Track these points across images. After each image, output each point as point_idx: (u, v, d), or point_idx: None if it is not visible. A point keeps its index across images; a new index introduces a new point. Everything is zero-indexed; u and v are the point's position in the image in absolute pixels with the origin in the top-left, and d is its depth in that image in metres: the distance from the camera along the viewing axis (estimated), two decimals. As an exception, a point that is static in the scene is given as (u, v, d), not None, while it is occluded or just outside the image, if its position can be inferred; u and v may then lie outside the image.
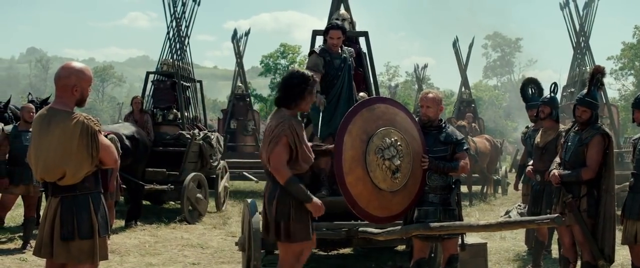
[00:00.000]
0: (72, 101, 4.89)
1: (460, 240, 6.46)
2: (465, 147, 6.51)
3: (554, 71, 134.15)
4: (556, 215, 4.57)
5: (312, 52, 8.46)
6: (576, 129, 6.89)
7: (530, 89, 9.16)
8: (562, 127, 8.14)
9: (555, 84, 8.55)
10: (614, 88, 45.92)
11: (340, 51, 8.27)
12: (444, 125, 6.56)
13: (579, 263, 7.13)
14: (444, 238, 6.36)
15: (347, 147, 5.61)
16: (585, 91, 6.93)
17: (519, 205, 13.27)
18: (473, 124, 23.07)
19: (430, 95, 6.52)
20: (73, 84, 4.85)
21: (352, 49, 8.71)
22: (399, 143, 5.87)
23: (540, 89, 9.14)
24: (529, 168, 8.12)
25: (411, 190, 6.07)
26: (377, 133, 5.77)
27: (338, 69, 8.19)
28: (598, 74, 6.94)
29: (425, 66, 33.79)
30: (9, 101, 11.02)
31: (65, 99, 4.86)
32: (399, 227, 6.15)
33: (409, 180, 6.00)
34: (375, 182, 5.75)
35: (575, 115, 6.89)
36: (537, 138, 8.28)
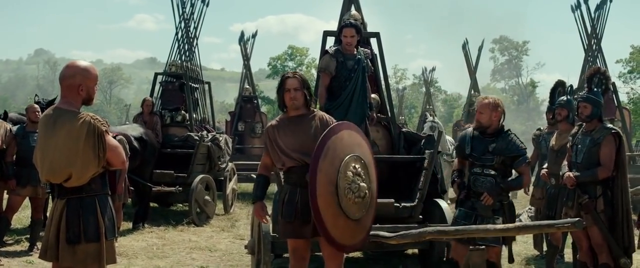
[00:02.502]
0: (78, 101, 4.79)
1: (506, 250, 6.74)
2: (526, 161, 6.64)
3: (561, 74, 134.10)
4: (576, 219, 4.46)
5: (325, 52, 8.37)
6: (584, 130, 6.88)
7: (558, 92, 9.01)
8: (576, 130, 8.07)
9: (571, 86, 8.49)
10: (623, 91, 45.86)
11: (355, 52, 8.15)
12: (503, 133, 6.62)
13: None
14: (477, 244, 6.63)
15: (324, 210, 5.27)
16: (586, 90, 7.11)
17: (529, 209, 13.15)
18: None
19: (485, 100, 6.65)
20: (78, 84, 4.75)
21: (368, 51, 8.56)
22: (357, 166, 5.49)
23: (565, 92, 8.95)
24: (544, 171, 8.03)
25: (374, 195, 5.75)
26: (340, 175, 5.34)
27: (351, 70, 8.07)
28: (597, 74, 7.04)
29: (433, 69, 33.72)
30: (6, 114, 10.68)
31: (71, 98, 4.77)
32: (413, 231, 6.04)
33: (372, 185, 5.69)
34: (354, 218, 5.45)
35: (578, 112, 7.00)
36: (552, 141, 8.20)
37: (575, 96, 8.09)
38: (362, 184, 5.45)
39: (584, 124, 6.94)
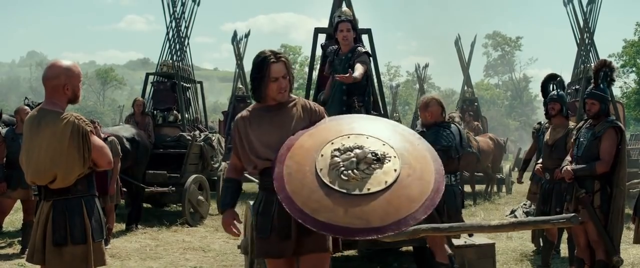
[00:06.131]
0: (63, 101, 4.71)
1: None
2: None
3: (553, 69, 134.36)
4: (572, 214, 4.40)
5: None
6: (588, 124, 6.77)
7: (551, 85, 8.89)
8: (571, 123, 7.99)
9: (561, 79, 8.38)
10: (616, 85, 45.78)
11: (353, 46, 7.97)
12: (437, 126, 6.82)
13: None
14: None
15: (296, 194, 4.10)
16: (593, 85, 6.84)
17: (524, 204, 13.12)
18: (475, 123, 22.91)
19: (422, 100, 7.08)
20: (63, 83, 4.67)
21: (365, 50, 8.22)
22: (345, 143, 4.27)
23: (562, 85, 8.74)
24: (539, 166, 7.97)
25: (407, 167, 4.22)
26: (318, 158, 4.22)
27: (334, 69, 8.03)
28: (604, 67, 6.82)
29: (426, 66, 33.71)
30: (0, 113, 10.71)
31: (55, 99, 4.69)
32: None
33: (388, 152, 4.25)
34: (357, 192, 4.05)
35: (585, 109, 6.81)
36: (546, 136, 8.13)
37: (569, 90, 8.01)
38: (357, 151, 4.17)
39: (592, 118, 6.80)
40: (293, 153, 4.29)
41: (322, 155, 4.22)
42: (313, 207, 4.02)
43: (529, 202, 9.75)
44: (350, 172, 4.09)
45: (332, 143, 4.29)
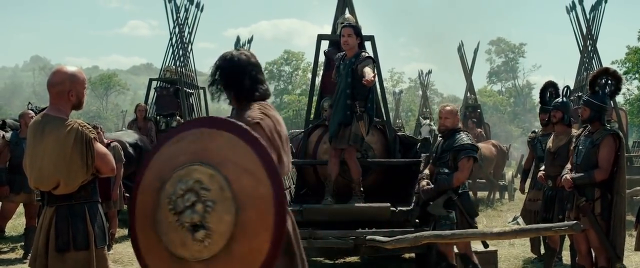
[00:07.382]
0: (67, 107, 4.72)
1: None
2: (468, 154, 6.94)
3: (557, 76, 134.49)
4: (574, 222, 4.42)
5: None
6: (587, 132, 6.80)
7: (548, 92, 8.92)
8: (573, 131, 7.99)
9: (567, 87, 8.40)
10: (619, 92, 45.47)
11: (357, 51, 7.97)
12: (455, 131, 7.12)
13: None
14: None
15: (139, 199, 3.59)
16: (589, 92, 6.97)
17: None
18: (478, 130, 22.89)
19: (448, 108, 7.30)
20: (68, 89, 4.68)
21: (368, 55, 8.20)
22: (203, 185, 3.33)
23: (557, 93, 8.83)
24: (541, 173, 7.97)
25: (247, 251, 3.30)
26: (173, 176, 3.42)
27: (339, 74, 8.05)
28: (604, 76, 6.89)
29: (430, 72, 33.65)
30: (4, 123, 10.76)
31: (60, 105, 4.70)
32: (409, 236, 6.01)
33: (237, 237, 3.28)
34: (171, 250, 3.42)
35: (579, 114, 7.02)
36: (549, 143, 8.12)
37: (572, 97, 8.00)
38: (194, 214, 3.32)
39: (589, 125, 6.86)
40: (151, 167, 3.61)
41: (165, 189, 3.47)
42: (146, 245, 3.55)
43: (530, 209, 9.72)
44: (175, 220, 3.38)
45: (166, 188, 3.46)
